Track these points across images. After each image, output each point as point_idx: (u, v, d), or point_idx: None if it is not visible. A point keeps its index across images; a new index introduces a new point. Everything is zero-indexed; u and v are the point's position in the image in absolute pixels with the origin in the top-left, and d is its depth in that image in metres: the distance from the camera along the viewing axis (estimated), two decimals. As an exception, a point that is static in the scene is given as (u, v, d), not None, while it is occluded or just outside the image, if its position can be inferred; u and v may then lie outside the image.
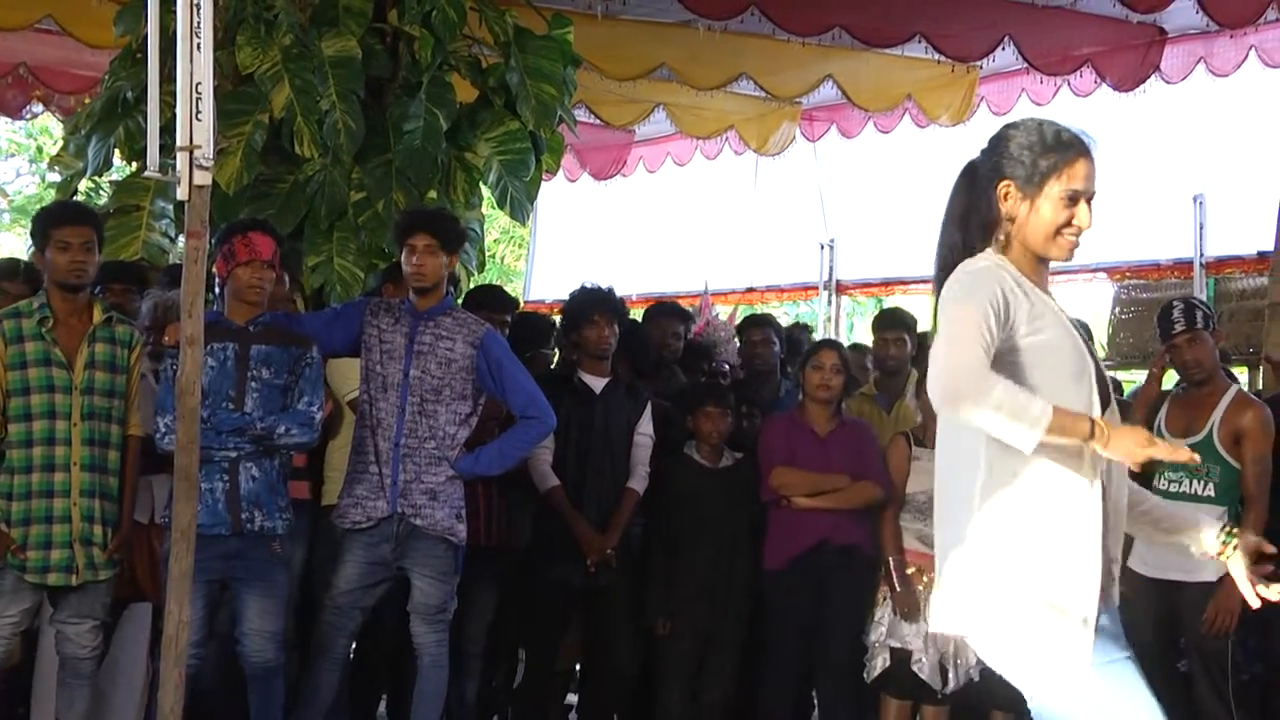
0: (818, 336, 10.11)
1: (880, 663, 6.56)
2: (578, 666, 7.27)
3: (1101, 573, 3.47)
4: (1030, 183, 3.57)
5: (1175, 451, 3.37)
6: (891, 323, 7.75)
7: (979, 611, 3.54)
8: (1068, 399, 3.42)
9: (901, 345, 7.54)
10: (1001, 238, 3.64)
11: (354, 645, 6.20)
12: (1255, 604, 3.58)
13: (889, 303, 12.45)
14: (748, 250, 13.37)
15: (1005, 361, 3.46)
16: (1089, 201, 3.56)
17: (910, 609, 6.48)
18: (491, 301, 7.06)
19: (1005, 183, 3.60)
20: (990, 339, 3.41)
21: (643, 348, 7.39)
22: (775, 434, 6.81)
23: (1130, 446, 3.33)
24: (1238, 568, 3.60)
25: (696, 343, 8.11)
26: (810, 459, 6.68)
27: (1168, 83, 10.00)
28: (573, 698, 7.30)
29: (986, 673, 6.53)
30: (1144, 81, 9.97)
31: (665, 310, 7.94)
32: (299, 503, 6.07)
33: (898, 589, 6.49)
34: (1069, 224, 3.56)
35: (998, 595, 3.50)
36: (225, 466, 5.60)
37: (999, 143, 3.66)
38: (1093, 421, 3.34)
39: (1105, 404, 3.54)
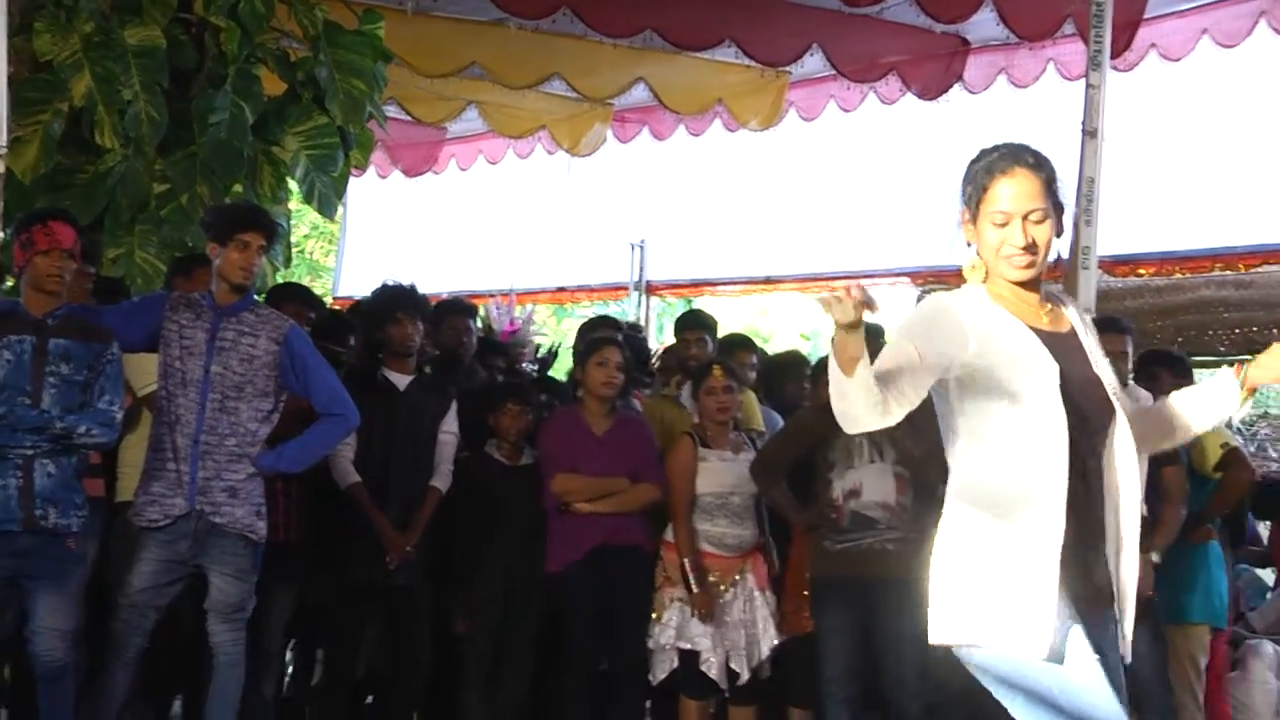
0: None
1: (668, 665, 6.62)
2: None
3: (1076, 579, 3.55)
4: (971, 209, 3.67)
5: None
6: (693, 323, 7.86)
7: (953, 622, 3.64)
8: (1018, 425, 3.54)
9: (703, 345, 7.63)
10: (980, 264, 3.71)
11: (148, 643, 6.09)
12: None
13: (699, 304, 12.57)
14: (559, 250, 13.40)
15: (965, 388, 3.59)
16: (1026, 219, 3.60)
17: (708, 609, 6.54)
18: (296, 298, 7.00)
19: (962, 211, 3.70)
20: (909, 358, 3.49)
21: (437, 346, 7.39)
22: (554, 436, 6.80)
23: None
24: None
25: (501, 339, 8.12)
26: (589, 460, 6.69)
27: (970, 92, 10.22)
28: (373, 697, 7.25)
29: (785, 670, 6.71)
30: (947, 90, 10.19)
31: (454, 308, 7.88)
32: (92, 500, 5.94)
33: (695, 590, 6.54)
34: (1004, 244, 3.62)
35: (963, 604, 3.61)
36: (19, 463, 5.48)
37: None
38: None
39: (1090, 422, 3.62)
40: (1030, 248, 3.60)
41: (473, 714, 6.67)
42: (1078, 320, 3.78)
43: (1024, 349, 3.58)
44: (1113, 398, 3.65)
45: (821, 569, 6.46)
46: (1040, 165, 3.65)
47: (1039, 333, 3.63)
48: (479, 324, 8.00)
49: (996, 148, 3.70)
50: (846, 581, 6.27)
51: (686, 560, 6.57)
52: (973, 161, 3.70)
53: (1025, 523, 3.52)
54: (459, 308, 7.90)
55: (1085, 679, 3.51)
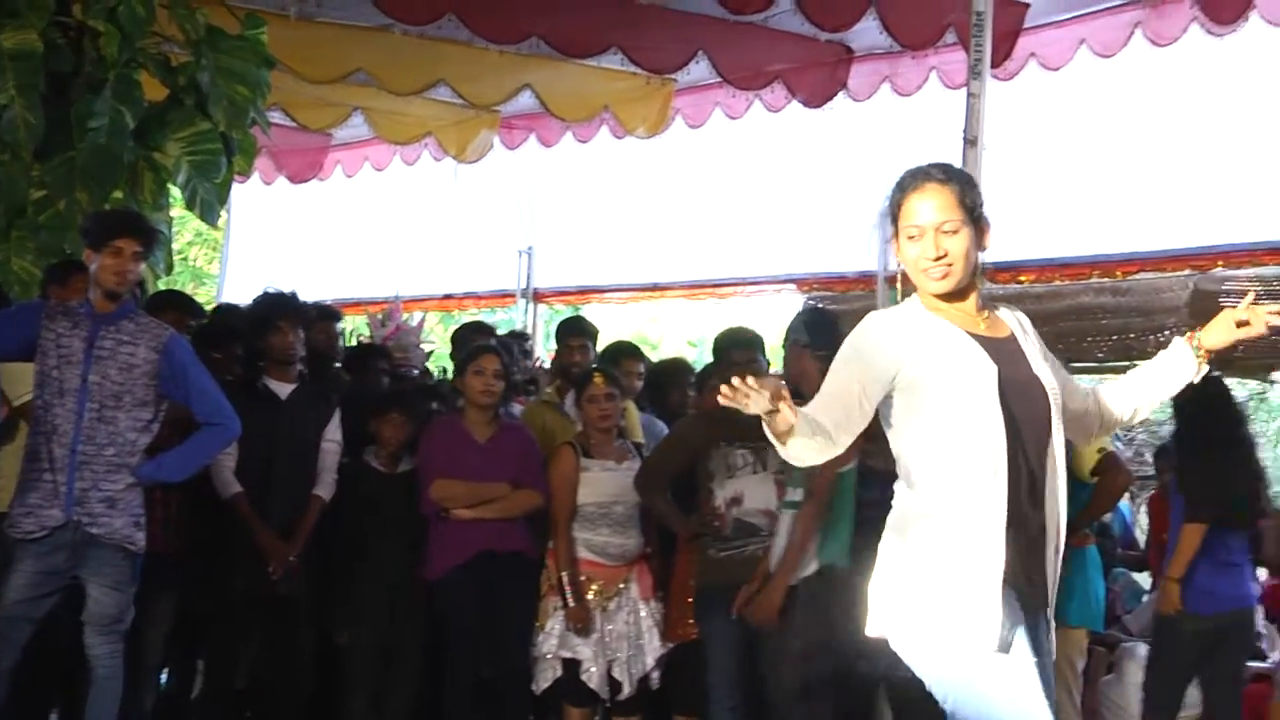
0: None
1: (552, 674, 6.61)
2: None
3: (1013, 574, 3.61)
4: (892, 228, 3.79)
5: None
6: (574, 330, 7.87)
7: (893, 615, 3.73)
8: (954, 427, 3.62)
9: (585, 352, 7.64)
10: None
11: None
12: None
13: (586, 311, 12.57)
14: (446, 257, 13.36)
15: (907, 395, 3.69)
16: (939, 231, 3.69)
17: (584, 623, 6.54)
18: (176, 306, 6.92)
19: (890, 230, 3.81)
20: (847, 400, 3.66)
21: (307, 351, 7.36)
22: (435, 443, 6.78)
23: None
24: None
25: (375, 345, 8.09)
26: (471, 467, 6.67)
27: (854, 100, 10.31)
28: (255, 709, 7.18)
29: (670, 679, 6.71)
30: (832, 98, 10.27)
31: (322, 313, 7.91)
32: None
33: (571, 604, 6.54)
34: (919, 258, 3.71)
35: (905, 599, 3.71)
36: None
37: None
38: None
39: (1030, 423, 3.69)
40: (943, 259, 3.68)
41: None
42: (1016, 325, 3.86)
43: (961, 354, 3.68)
44: (1052, 399, 3.73)
45: (706, 577, 6.46)
46: (951, 178, 3.75)
47: (976, 338, 3.72)
48: (364, 330, 7.97)
49: (910, 168, 3.81)
50: (731, 589, 6.28)
51: (564, 574, 6.57)
52: (892, 182, 3.82)
53: (969, 522, 3.61)
54: (327, 313, 7.88)
55: (1022, 679, 3.59)
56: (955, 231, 3.69)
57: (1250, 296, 3.84)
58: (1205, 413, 6.63)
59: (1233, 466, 6.54)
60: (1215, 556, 6.42)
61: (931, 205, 3.70)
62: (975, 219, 3.74)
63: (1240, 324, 3.82)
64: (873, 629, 3.76)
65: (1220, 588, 6.51)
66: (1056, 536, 3.76)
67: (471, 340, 7.88)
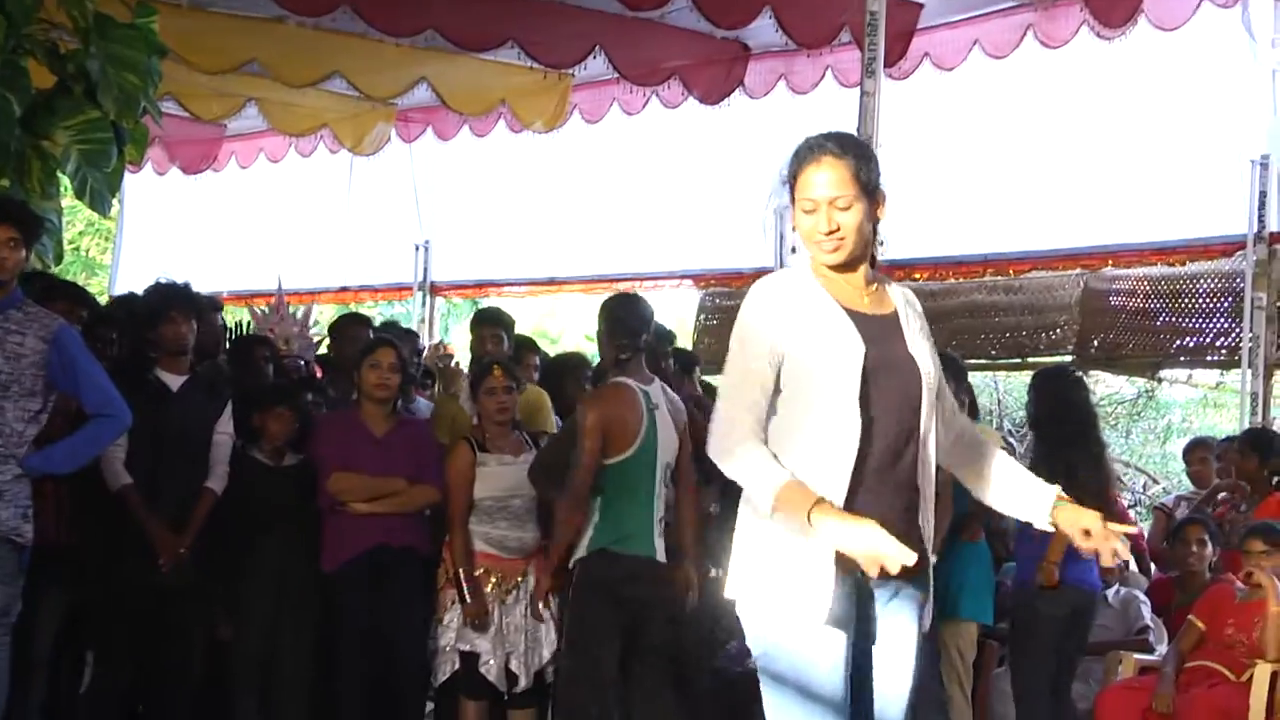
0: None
1: (450, 667, 6.59)
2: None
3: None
4: (789, 196, 3.79)
5: (904, 555, 3.47)
6: (489, 320, 7.85)
7: (738, 579, 3.80)
8: (817, 402, 3.65)
9: (498, 342, 7.64)
10: None
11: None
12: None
13: (484, 304, 12.54)
14: (343, 249, 13.29)
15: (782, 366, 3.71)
16: (832, 205, 3.70)
17: (481, 618, 6.53)
18: (67, 296, 6.83)
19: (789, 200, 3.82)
20: (760, 378, 3.69)
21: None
22: (330, 436, 6.75)
23: (845, 542, 3.51)
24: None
25: (257, 335, 8.06)
26: (367, 461, 6.63)
27: (751, 97, 10.37)
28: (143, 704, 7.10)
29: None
30: (729, 95, 10.33)
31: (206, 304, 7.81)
32: None
33: (468, 600, 6.53)
34: (812, 231, 3.73)
35: (749, 565, 3.78)
36: None
37: None
38: (813, 507, 3.52)
39: (899, 400, 3.72)
40: (834, 233, 3.70)
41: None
42: (903, 302, 3.88)
43: (831, 329, 3.70)
44: (925, 379, 3.77)
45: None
46: (846, 151, 3.75)
47: (854, 314, 3.74)
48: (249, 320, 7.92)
49: (809, 138, 3.82)
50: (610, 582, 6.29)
51: (460, 570, 6.55)
52: (791, 153, 3.84)
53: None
54: (210, 304, 7.84)
55: (828, 658, 3.67)
56: (848, 207, 3.70)
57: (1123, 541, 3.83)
58: (1059, 413, 6.91)
59: (1082, 463, 6.67)
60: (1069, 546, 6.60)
61: (826, 179, 3.71)
62: (870, 192, 3.75)
63: (1085, 534, 3.82)
64: (728, 591, 3.83)
65: (1070, 573, 6.71)
66: (920, 516, 3.80)
67: (349, 332, 7.85)
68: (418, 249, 12.86)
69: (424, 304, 12.96)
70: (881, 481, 3.72)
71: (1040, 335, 9.83)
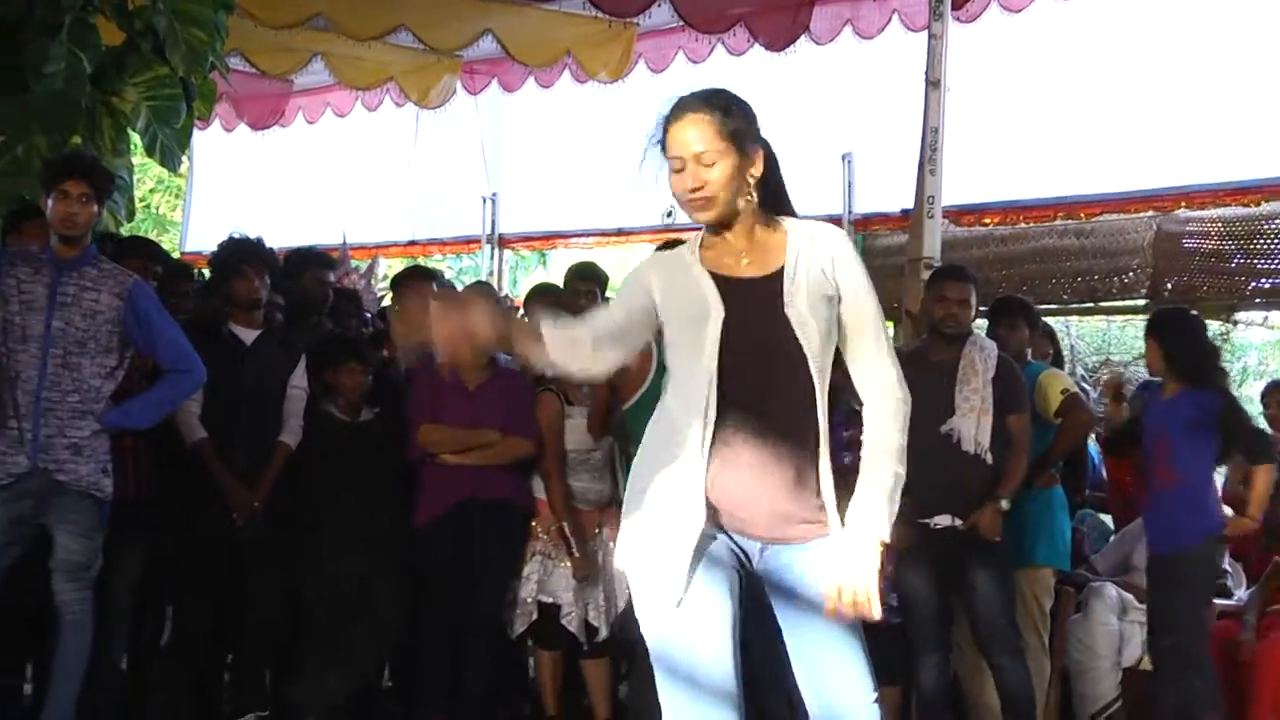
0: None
1: (528, 618, 6.64)
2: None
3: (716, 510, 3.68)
4: (664, 158, 3.76)
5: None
6: (582, 274, 7.82)
7: (621, 550, 3.82)
8: (682, 368, 3.71)
9: (593, 297, 7.61)
10: None
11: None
12: None
13: (551, 256, 12.52)
14: (410, 203, 13.29)
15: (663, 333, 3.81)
16: (699, 161, 3.66)
17: (588, 573, 6.56)
18: (140, 252, 6.88)
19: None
20: (614, 307, 3.83)
21: (294, 297, 7.32)
22: (422, 388, 6.74)
23: None
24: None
25: (344, 290, 8.04)
26: (458, 413, 6.64)
27: (817, 43, 10.26)
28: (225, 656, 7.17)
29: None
30: (794, 42, 10.21)
31: (311, 258, 7.80)
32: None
33: (575, 555, 6.56)
34: (680, 191, 3.71)
35: (625, 535, 3.81)
36: None
37: None
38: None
39: (762, 364, 3.68)
40: (699, 190, 3.67)
41: (315, 675, 6.61)
42: (798, 255, 3.75)
43: (694, 295, 3.72)
44: (803, 341, 3.66)
45: None
46: (710, 106, 3.70)
47: (725, 279, 3.73)
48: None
49: (673, 97, 3.79)
50: None
51: (565, 524, 6.57)
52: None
53: (674, 462, 3.68)
54: (319, 259, 7.81)
55: (700, 632, 3.65)
56: (713, 163, 3.65)
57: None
58: (1212, 355, 6.88)
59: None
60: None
61: (690, 136, 3.67)
62: (741, 145, 3.68)
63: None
64: (616, 560, 3.90)
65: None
66: (812, 480, 3.71)
67: (409, 285, 7.85)
68: (485, 201, 12.82)
69: (492, 256, 12.94)
70: (750, 448, 3.67)
71: (1113, 279, 9.71)
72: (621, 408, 6.35)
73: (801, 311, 3.67)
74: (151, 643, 6.97)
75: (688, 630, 3.64)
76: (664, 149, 3.73)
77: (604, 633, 6.64)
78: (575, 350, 3.67)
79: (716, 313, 3.65)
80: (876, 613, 3.61)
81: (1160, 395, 6.79)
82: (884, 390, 3.77)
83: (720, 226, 3.74)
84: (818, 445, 3.69)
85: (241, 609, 6.64)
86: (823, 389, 3.68)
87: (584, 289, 7.69)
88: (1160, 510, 6.67)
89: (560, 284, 7.92)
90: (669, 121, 3.71)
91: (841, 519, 3.69)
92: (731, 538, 3.71)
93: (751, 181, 3.71)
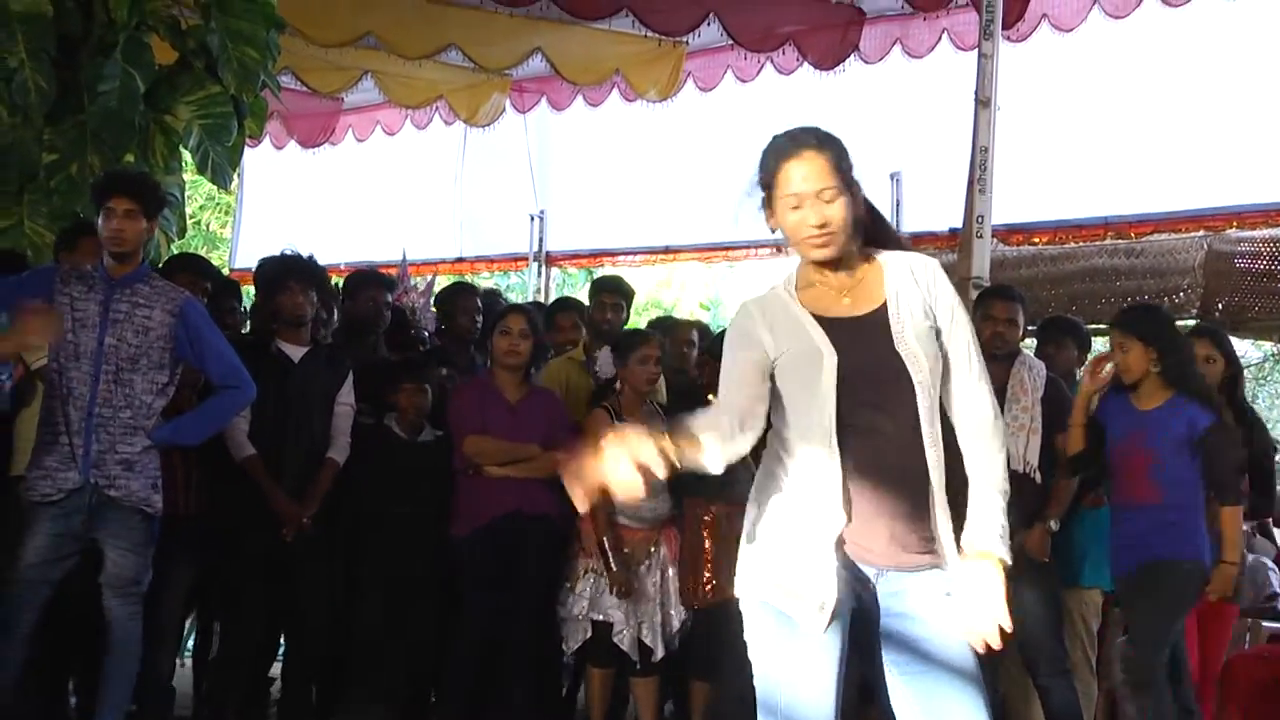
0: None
1: (581, 635, 6.62)
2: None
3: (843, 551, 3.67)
4: (768, 199, 3.74)
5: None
6: (608, 288, 7.84)
7: (739, 581, 3.82)
8: (801, 409, 3.68)
9: (619, 311, 7.63)
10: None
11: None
12: None
13: (598, 274, 12.53)
14: (458, 220, 13.35)
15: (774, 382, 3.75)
16: (819, 198, 3.64)
17: (627, 587, 6.55)
18: (190, 268, 6.93)
19: (763, 199, 3.78)
20: (739, 376, 3.74)
21: (350, 317, 7.36)
22: (466, 401, 6.76)
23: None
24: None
25: (399, 311, 8.07)
26: (502, 427, 6.64)
27: (866, 62, 10.27)
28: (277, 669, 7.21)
29: (687, 643, 6.72)
30: (843, 60, 10.22)
31: (369, 279, 7.83)
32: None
33: (613, 569, 6.55)
34: (800, 226, 3.67)
35: (745, 571, 3.81)
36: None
37: None
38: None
39: (877, 403, 3.66)
40: (825, 227, 3.65)
41: (364, 690, 6.62)
42: (898, 288, 3.75)
43: (803, 339, 3.70)
44: (915, 375, 3.65)
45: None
46: (825, 144, 3.70)
47: (829, 320, 3.71)
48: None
49: (781, 133, 3.77)
50: None
51: (605, 539, 6.56)
52: (761, 151, 3.78)
53: (802, 505, 3.69)
54: (375, 279, 7.84)
55: (811, 668, 3.67)
56: (834, 200, 3.64)
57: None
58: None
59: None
60: None
61: (809, 172, 3.65)
62: (850, 184, 3.68)
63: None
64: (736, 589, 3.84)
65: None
66: (931, 514, 3.69)
67: (458, 302, 7.86)
68: (533, 219, 12.87)
69: (539, 274, 12.98)
70: (879, 483, 3.66)
71: (1163, 299, 9.65)
72: None
73: (911, 346, 3.67)
74: (201, 657, 7.01)
75: (797, 669, 3.68)
76: (770, 185, 3.72)
77: (660, 652, 6.63)
78: (728, 443, 3.64)
79: (830, 357, 3.64)
80: (996, 641, 3.60)
81: (1132, 403, 6.30)
82: (984, 414, 3.75)
83: (829, 264, 3.73)
84: (928, 476, 3.68)
85: (290, 625, 6.66)
86: (933, 420, 3.67)
87: (610, 303, 7.71)
88: (1136, 525, 6.18)
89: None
90: (783, 158, 3.69)
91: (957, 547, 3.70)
92: (855, 565, 3.71)
93: (857, 219, 3.72)
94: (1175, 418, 6.12)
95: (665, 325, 7.85)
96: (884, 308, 3.73)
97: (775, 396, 3.74)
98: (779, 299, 3.79)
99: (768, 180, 3.73)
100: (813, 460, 3.65)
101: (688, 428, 3.56)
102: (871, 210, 3.84)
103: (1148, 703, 6.07)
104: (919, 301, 3.72)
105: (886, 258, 3.80)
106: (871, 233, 3.82)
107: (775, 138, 3.76)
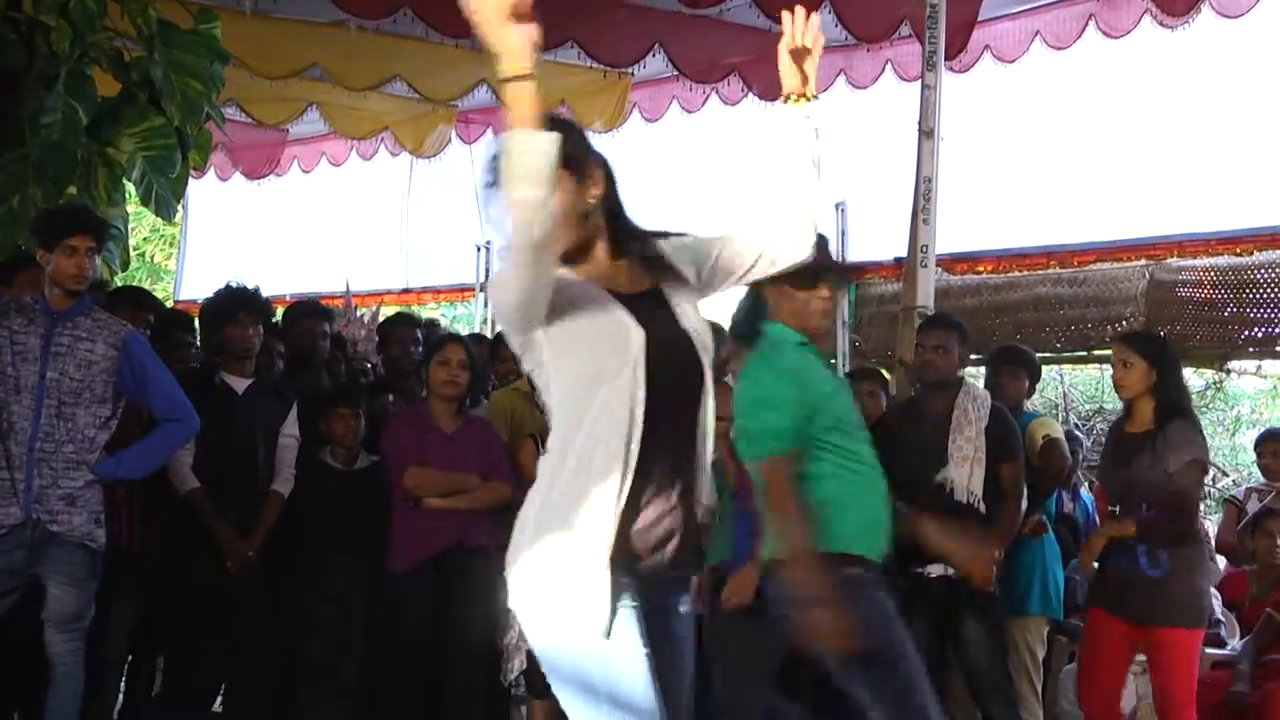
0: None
1: (518, 663, 6.57)
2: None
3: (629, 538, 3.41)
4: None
5: None
6: None
7: (518, 587, 3.48)
8: (597, 389, 3.39)
9: None
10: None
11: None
12: None
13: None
14: (404, 251, 13.33)
15: (552, 349, 3.45)
16: None
17: None
18: (130, 301, 6.89)
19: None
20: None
21: (288, 347, 7.32)
22: (401, 431, 6.71)
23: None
24: None
25: (339, 340, 8.05)
26: (439, 457, 6.59)
27: (811, 93, 10.31)
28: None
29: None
30: (788, 91, 10.26)
31: (306, 310, 7.82)
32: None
33: None
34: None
35: (527, 572, 3.46)
36: None
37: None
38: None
39: (680, 384, 3.49)
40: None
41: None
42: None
43: (605, 315, 3.44)
44: (701, 354, 3.52)
45: None
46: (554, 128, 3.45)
47: (619, 296, 3.50)
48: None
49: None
50: None
51: None
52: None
53: (589, 496, 3.37)
54: (313, 310, 7.82)
55: (626, 666, 3.38)
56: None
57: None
58: None
59: None
60: None
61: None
62: (577, 169, 3.49)
63: (795, 52, 3.78)
64: (510, 600, 3.50)
65: None
66: (699, 505, 3.56)
67: (397, 333, 7.84)
68: (479, 250, 12.84)
69: (486, 304, 12.96)
70: (675, 471, 3.49)
71: (1106, 327, 9.72)
72: None
73: (693, 320, 3.58)
74: (144, 693, 6.94)
75: (616, 670, 3.40)
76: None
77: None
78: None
79: (637, 333, 3.43)
80: None
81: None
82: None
83: (579, 253, 3.56)
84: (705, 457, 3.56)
85: (234, 659, 6.61)
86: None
87: None
88: None
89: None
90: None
91: None
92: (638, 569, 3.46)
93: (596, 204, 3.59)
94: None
95: None
96: (659, 288, 3.60)
97: (553, 378, 3.45)
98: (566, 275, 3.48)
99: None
100: (602, 456, 3.37)
101: None
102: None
103: None
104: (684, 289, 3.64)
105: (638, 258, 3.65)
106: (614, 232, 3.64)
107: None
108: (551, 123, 3.36)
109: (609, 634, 3.35)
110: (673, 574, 3.54)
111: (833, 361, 8.85)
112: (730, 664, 5.74)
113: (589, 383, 3.40)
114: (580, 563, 3.36)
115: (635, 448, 3.37)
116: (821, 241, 4.18)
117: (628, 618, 3.38)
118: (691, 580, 3.66)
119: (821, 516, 4.50)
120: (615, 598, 3.35)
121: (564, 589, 3.38)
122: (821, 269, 4.63)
